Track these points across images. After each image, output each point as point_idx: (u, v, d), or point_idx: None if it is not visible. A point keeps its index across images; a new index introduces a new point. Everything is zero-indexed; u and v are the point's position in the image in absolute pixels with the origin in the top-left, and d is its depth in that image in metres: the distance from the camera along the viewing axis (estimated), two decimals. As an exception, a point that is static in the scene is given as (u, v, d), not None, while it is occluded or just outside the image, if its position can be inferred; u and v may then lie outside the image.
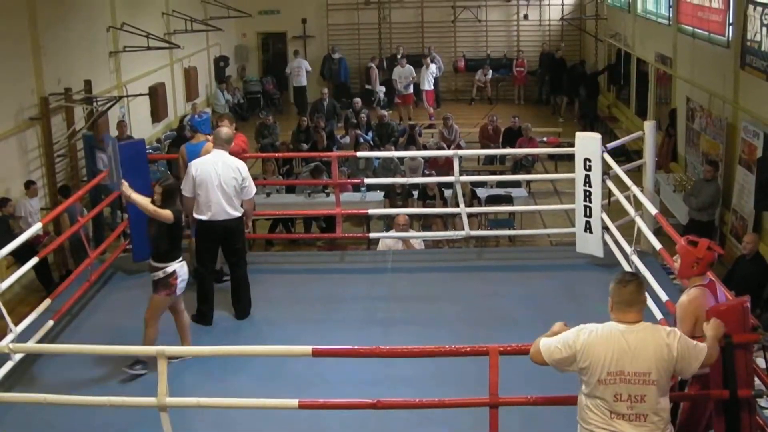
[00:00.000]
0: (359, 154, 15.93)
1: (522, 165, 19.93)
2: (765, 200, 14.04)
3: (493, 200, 16.55)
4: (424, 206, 15.87)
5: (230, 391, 7.42)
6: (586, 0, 30.25)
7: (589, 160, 10.38)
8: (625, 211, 10.13)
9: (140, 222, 10.42)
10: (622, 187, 10.24)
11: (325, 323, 9.49)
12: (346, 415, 7.09)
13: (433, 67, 27.71)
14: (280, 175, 18.47)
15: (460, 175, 11.88)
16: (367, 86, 29.18)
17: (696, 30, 18.13)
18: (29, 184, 15.27)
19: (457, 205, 11.89)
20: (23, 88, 15.91)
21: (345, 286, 10.66)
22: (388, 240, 12.25)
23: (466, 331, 9.09)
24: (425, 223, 15.92)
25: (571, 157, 11.07)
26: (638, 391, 5.28)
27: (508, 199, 16.66)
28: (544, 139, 22.29)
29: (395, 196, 16.17)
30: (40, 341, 8.66)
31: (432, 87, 27.82)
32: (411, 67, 27.26)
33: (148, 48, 20.67)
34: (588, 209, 10.56)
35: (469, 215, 12.18)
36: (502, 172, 19.71)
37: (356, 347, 6.95)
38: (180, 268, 8.39)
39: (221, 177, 9.31)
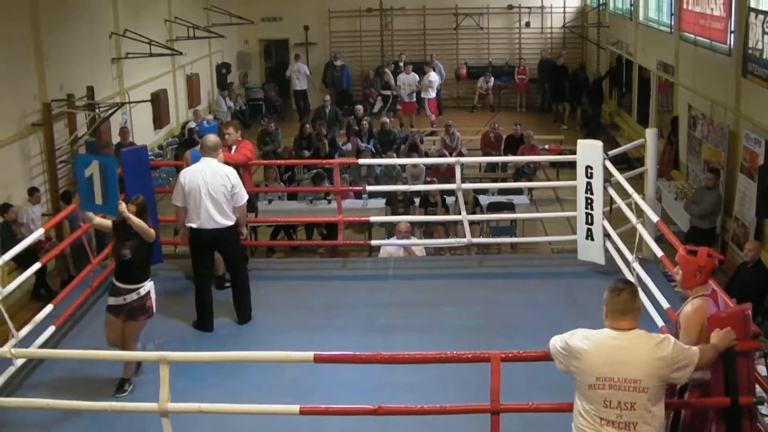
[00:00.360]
0: (361, 161, 15.96)
1: (524, 172, 19.93)
2: (766, 208, 14.05)
3: (494, 207, 16.57)
4: (426, 213, 15.88)
5: (231, 396, 7.43)
6: (588, 8, 30.30)
7: (591, 168, 10.39)
8: (627, 218, 10.13)
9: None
10: (624, 194, 10.24)
11: (326, 329, 9.50)
12: (347, 421, 7.09)
13: (433, 74, 27.73)
14: (281, 182, 18.48)
15: (462, 182, 11.90)
16: (384, 92, 29.12)
17: (698, 38, 18.14)
18: (33, 191, 15.30)
19: (459, 213, 11.89)
20: (26, 94, 15.94)
21: (346, 292, 10.66)
22: (389, 247, 12.26)
23: (468, 338, 9.10)
24: (427, 230, 15.92)
25: (572, 165, 11.08)
26: (628, 398, 5.27)
27: (509, 207, 16.68)
28: (546, 146, 22.28)
29: (397, 203, 16.18)
30: (42, 346, 8.67)
31: (434, 95, 27.85)
32: (416, 75, 27.33)
33: (151, 54, 20.72)
34: (589, 217, 10.57)
35: (471, 222, 12.19)
36: (503, 180, 19.72)
37: (358, 353, 6.95)
38: (152, 287, 8.38)
39: (209, 185, 9.30)
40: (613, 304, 5.43)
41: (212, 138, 9.71)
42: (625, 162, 17.23)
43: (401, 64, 28.39)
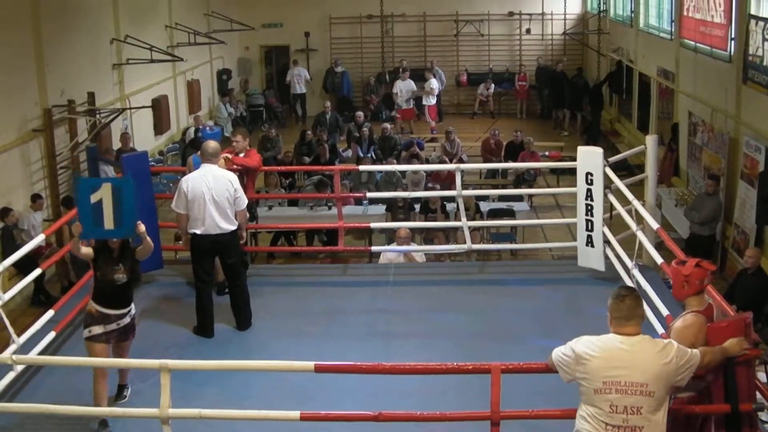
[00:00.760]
0: (361, 167, 15.98)
1: (524, 179, 19.95)
2: (767, 214, 14.06)
3: (494, 214, 16.57)
4: (426, 220, 15.89)
5: (232, 402, 7.43)
6: (589, 14, 30.33)
7: (591, 174, 10.40)
8: (627, 225, 10.14)
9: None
10: (624, 201, 10.25)
11: (326, 335, 9.50)
12: (347, 427, 7.09)
13: (433, 81, 27.75)
14: (282, 188, 18.49)
15: (463, 188, 11.90)
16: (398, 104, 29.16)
17: (698, 45, 18.16)
18: (36, 198, 15.32)
19: (459, 219, 11.90)
20: (26, 100, 15.96)
21: (347, 298, 10.67)
22: (389, 253, 12.27)
23: (468, 344, 9.11)
24: (427, 236, 15.93)
25: (573, 171, 11.09)
26: (634, 403, 5.32)
27: (509, 213, 16.69)
28: (546, 153, 22.32)
29: (397, 209, 16.20)
30: (43, 352, 8.67)
31: (434, 101, 27.88)
32: (412, 81, 27.36)
33: (152, 60, 20.73)
34: (590, 223, 10.58)
35: (471, 229, 12.19)
36: (504, 186, 19.75)
37: (358, 363, 6.96)
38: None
39: (213, 191, 9.32)
40: (618, 311, 5.49)
41: (212, 144, 9.73)
42: (625, 169, 17.25)
43: (401, 69, 28.41)
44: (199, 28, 24.99)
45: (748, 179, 14.85)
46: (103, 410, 7.23)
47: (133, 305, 8.13)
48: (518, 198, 17.71)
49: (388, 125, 22.77)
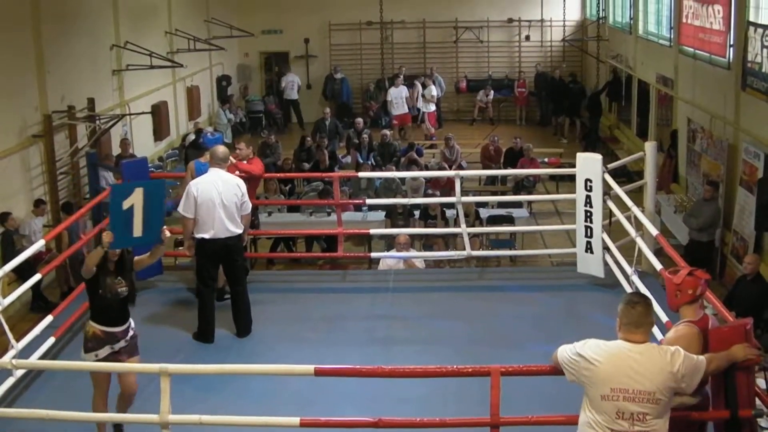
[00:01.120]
0: (361, 174, 15.96)
1: (523, 185, 19.96)
2: (766, 221, 14.06)
3: (494, 220, 16.59)
4: (426, 226, 15.90)
5: (232, 408, 7.44)
6: (588, 21, 30.38)
7: (590, 181, 10.42)
8: (626, 231, 10.15)
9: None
10: (623, 207, 10.26)
11: (326, 342, 9.51)
12: (347, 433, 7.10)
13: (433, 88, 27.76)
14: (281, 194, 18.50)
15: (462, 195, 11.91)
16: (417, 107, 29.26)
17: (697, 51, 18.19)
18: (39, 203, 15.35)
19: (459, 225, 11.90)
20: (27, 106, 15.97)
21: (346, 304, 10.68)
22: (389, 259, 12.27)
23: (468, 350, 9.12)
24: (426, 242, 15.93)
25: (572, 178, 11.11)
26: (641, 410, 5.32)
27: (509, 220, 16.71)
28: (546, 159, 22.33)
29: (397, 215, 16.20)
30: (42, 357, 8.68)
31: (434, 108, 27.87)
32: (405, 88, 27.39)
33: (151, 67, 20.74)
34: (589, 230, 10.59)
35: (470, 235, 12.20)
36: (503, 193, 19.75)
37: (358, 366, 6.97)
38: None
39: (222, 195, 9.36)
40: (628, 317, 5.48)
41: (222, 149, 9.78)
42: (624, 175, 17.24)
43: (401, 76, 28.44)
44: (198, 35, 24.99)
45: (747, 186, 14.86)
46: (102, 416, 7.23)
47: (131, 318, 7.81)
48: (517, 204, 17.72)
49: (387, 132, 22.76)
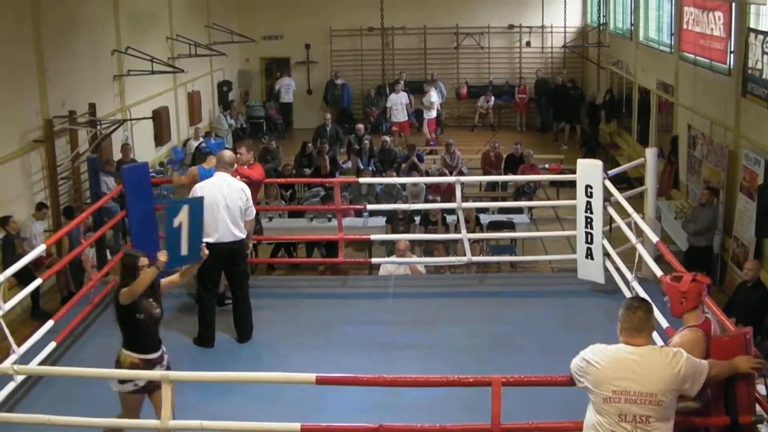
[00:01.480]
0: (362, 179, 15.99)
1: (524, 191, 19.96)
2: (766, 227, 14.07)
3: (494, 226, 16.60)
4: (426, 232, 15.91)
5: (233, 414, 7.43)
6: (588, 27, 30.41)
7: (591, 187, 10.42)
8: (627, 237, 10.16)
9: (143, 245, 10.49)
10: (624, 213, 10.27)
11: (326, 347, 9.51)
12: (348, 439, 7.10)
13: (433, 94, 27.79)
14: (282, 200, 18.51)
15: (463, 200, 11.92)
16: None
17: (697, 58, 18.21)
18: (41, 206, 15.36)
19: (459, 231, 11.91)
20: (28, 111, 16.00)
21: (347, 310, 10.68)
22: (389, 265, 12.28)
23: (468, 356, 9.12)
24: (427, 248, 15.94)
25: (572, 184, 11.11)
26: (643, 412, 5.35)
27: (509, 226, 16.71)
28: (546, 165, 22.35)
29: (397, 221, 16.21)
30: (43, 362, 8.69)
31: (434, 115, 27.90)
32: (405, 94, 27.41)
33: (152, 72, 20.77)
34: (589, 236, 10.59)
35: (471, 241, 12.21)
36: (503, 199, 19.76)
37: (360, 376, 6.97)
38: None
39: (227, 199, 9.39)
40: (629, 321, 5.52)
41: (228, 153, 9.83)
42: (624, 181, 17.27)
43: (401, 82, 28.48)
44: (199, 40, 25.03)
45: (747, 192, 14.88)
46: (103, 421, 7.23)
47: None
48: (518, 210, 17.75)
49: (388, 138, 22.79)
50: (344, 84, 30.20)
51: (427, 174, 20.38)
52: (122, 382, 7.11)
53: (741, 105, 15.44)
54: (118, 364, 7.22)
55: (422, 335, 9.88)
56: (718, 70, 16.78)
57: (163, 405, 6.48)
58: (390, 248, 14.90)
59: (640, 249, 9.62)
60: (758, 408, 6.14)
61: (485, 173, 21.26)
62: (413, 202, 16.99)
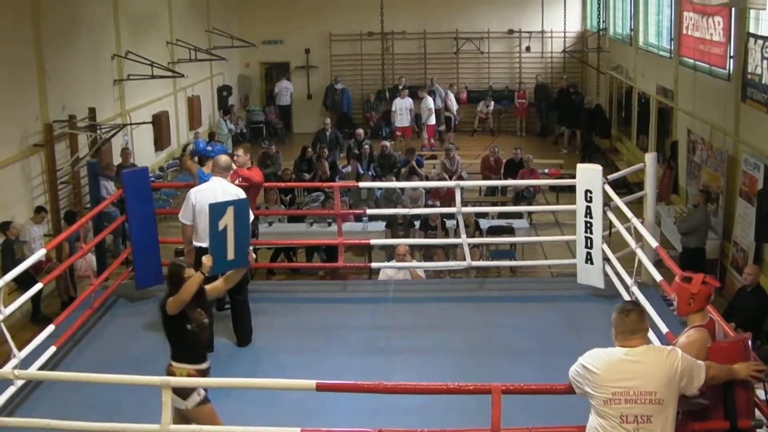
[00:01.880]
0: (361, 184, 15.97)
1: (523, 196, 19.99)
2: (766, 232, 14.09)
3: (494, 231, 16.61)
4: (426, 236, 15.91)
5: (232, 418, 7.41)
6: (588, 32, 30.43)
7: (590, 192, 10.43)
8: (626, 242, 10.16)
9: (144, 250, 10.50)
10: (623, 218, 10.28)
11: (326, 352, 9.50)
12: (348, 443, 7.10)
13: (429, 100, 27.81)
14: (282, 204, 18.52)
15: (462, 205, 11.93)
16: (447, 113, 29.51)
17: (697, 63, 18.23)
18: (39, 210, 15.36)
19: (459, 236, 11.91)
20: (28, 115, 16.00)
21: (346, 315, 10.67)
22: (389, 270, 12.28)
23: (468, 361, 9.12)
24: (426, 253, 15.95)
25: (572, 189, 11.11)
26: (645, 411, 5.38)
27: (509, 230, 16.72)
28: (546, 170, 22.34)
29: (397, 226, 16.22)
30: (43, 367, 8.69)
31: (434, 121, 27.92)
32: (410, 99, 27.44)
33: (152, 76, 20.79)
34: (589, 240, 10.60)
35: (471, 246, 12.21)
36: (503, 204, 19.78)
37: (360, 382, 6.96)
38: None
39: None
40: (623, 325, 5.56)
41: (224, 158, 9.78)
42: (624, 186, 17.28)
43: (401, 87, 28.52)
44: (199, 45, 25.06)
45: (746, 197, 14.89)
46: (103, 426, 7.22)
47: None
48: (518, 215, 17.75)
49: (387, 143, 22.81)
50: (344, 89, 30.24)
51: (427, 179, 20.40)
52: (186, 397, 6.86)
53: (740, 110, 15.45)
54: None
55: (422, 340, 9.88)
56: (718, 75, 16.80)
57: (163, 411, 6.48)
58: (390, 253, 14.90)
59: (640, 254, 9.63)
60: (757, 413, 6.15)
61: (485, 178, 21.26)
62: (413, 207, 16.99)
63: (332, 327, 10.24)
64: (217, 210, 7.38)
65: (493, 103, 30.33)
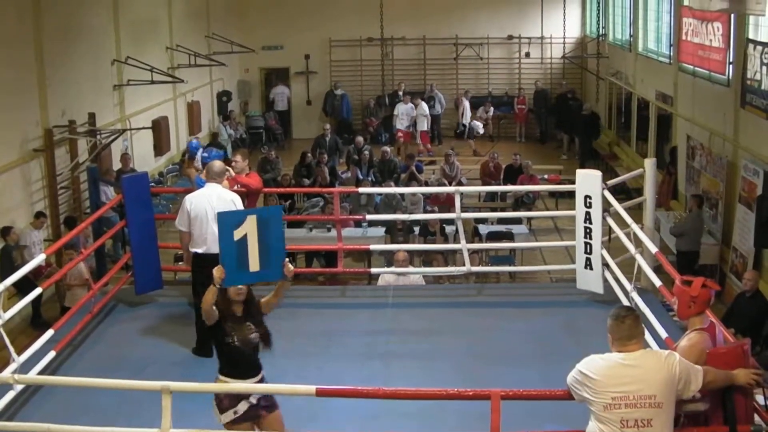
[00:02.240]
0: (361, 190, 16.00)
1: (523, 202, 20.00)
2: (765, 238, 14.10)
3: (493, 237, 16.61)
4: (425, 242, 15.92)
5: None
6: (588, 38, 30.47)
7: (590, 198, 10.43)
8: (625, 248, 10.17)
9: (143, 255, 10.50)
10: (623, 224, 10.28)
11: (326, 357, 9.51)
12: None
13: (424, 106, 27.79)
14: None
15: (462, 211, 11.93)
16: (463, 122, 29.57)
17: (696, 69, 18.25)
18: (39, 215, 15.36)
19: (458, 242, 11.92)
20: (28, 120, 16.02)
21: (346, 320, 10.67)
22: (388, 275, 12.28)
23: (467, 367, 9.11)
24: (426, 258, 15.95)
25: (571, 194, 11.12)
26: (645, 415, 5.38)
27: (508, 236, 16.72)
28: (545, 176, 22.39)
29: (396, 231, 16.22)
30: (42, 372, 8.69)
31: (426, 127, 27.87)
32: (413, 105, 27.45)
33: (152, 82, 20.81)
34: (588, 246, 10.60)
35: (470, 251, 12.21)
36: (503, 209, 19.78)
37: (359, 388, 6.96)
38: None
39: (216, 210, 9.31)
40: (619, 331, 5.58)
41: (218, 164, 9.76)
42: (623, 192, 17.29)
43: (400, 93, 28.54)
44: (199, 50, 25.09)
45: (746, 202, 14.91)
46: (103, 430, 7.22)
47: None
48: (517, 221, 17.77)
49: (387, 148, 22.83)
50: (343, 94, 30.26)
51: (427, 184, 20.41)
52: (222, 411, 6.85)
53: (740, 116, 15.47)
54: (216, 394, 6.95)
55: (421, 345, 9.88)
56: (717, 81, 16.82)
57: (163, 416, 6.47)
58: (389, 258, 14.90)
59: (639, 259, 9.63)
60: (757, 418, 6.15)
61: (484, 184, 21.30)
62: (412, 213, 17.00)
63: (332, 332, 10.24)
64: (228, 219, 7.11)
65: (492, 108, 30.36)
